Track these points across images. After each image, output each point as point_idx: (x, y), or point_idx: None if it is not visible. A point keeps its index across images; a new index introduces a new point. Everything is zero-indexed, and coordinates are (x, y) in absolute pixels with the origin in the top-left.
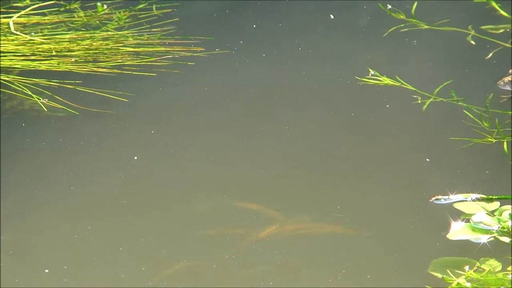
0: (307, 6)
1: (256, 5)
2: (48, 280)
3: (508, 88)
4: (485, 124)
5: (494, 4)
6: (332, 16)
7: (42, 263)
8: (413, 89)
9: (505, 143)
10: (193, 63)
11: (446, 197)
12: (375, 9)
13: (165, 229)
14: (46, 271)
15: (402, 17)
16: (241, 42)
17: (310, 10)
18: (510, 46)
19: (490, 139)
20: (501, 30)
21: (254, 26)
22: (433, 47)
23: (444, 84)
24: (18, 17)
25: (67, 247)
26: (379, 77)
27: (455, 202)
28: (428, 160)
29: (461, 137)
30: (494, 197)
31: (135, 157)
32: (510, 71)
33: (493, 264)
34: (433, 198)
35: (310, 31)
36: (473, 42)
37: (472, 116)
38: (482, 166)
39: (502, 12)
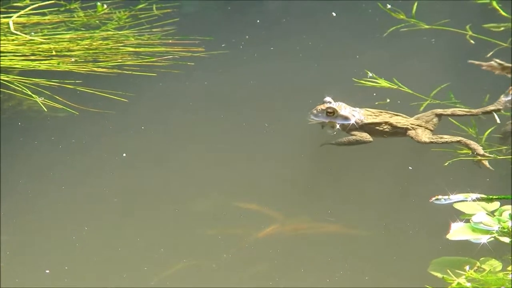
0: (306, 4)
1: (255, 3)
2: (49, 281)
3: (320, 118)
4: (471, 130)
5: (495, 4)
6: (334, 14)
7: (43, 263)
8: (410, 91)
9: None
10: (193, 63)
11: (446, 197)
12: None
13: (165, 229)
14: (47, 271)
15: (402, 17)
16: (247, 37)
17: (310, 8)
18: (509, 45)
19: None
20: (502, 28)
21: (258, 21)
22: (434, 46)
23: (440, 87)
24: (18, 17)
25: (67, 247)
26: (376, 79)
27: (455, 202)
28: (410, 168)
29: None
30: (494, 197)
31: (124, 154)
32: (325, 98)
33: (493, 264)
34: (433, 198)
35: (315, 27)
36: (472, 42)
37: (458, 124)
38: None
39: (502, 12)
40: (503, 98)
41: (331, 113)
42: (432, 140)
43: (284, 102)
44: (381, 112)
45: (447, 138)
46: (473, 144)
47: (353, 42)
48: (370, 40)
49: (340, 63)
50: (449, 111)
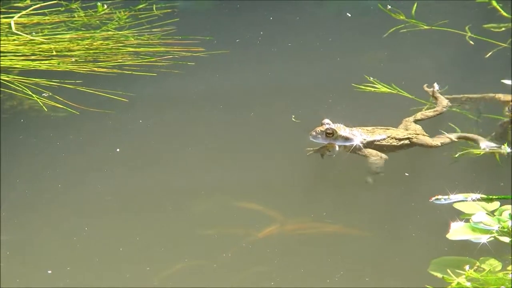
0: (317, 3)
1: (263, 2)
2: (51, 281)
3: (320, 140)
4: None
5: (495, 3)
6: (349, 15)
7: (44, 263)
8: (410, 96)
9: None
10: (193, 63)
11: (446, 197)
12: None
13: (165, 229)
14: (49, 271)
15: (402, 17)
16: (261, 32)
17: (322, 6)
18: (509, 46)
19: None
20: (502, 29)
21: (271, 18)
22: (435, 46)
23: (442, 90)
24: (19, 17)
25: (69, 247)
26: (376, 84)
27: (455, 202)
28: (407, 174)
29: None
30: (494, 197)
31: (117, 149)
32: (324, 120)
33: (493, 264)
34: (433, 198)
35: (332, 25)
36: (472, 43)
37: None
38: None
39: (503, 12)
40: (428, 88)
41: (331, 134)
42: (441, 142)
43: (294, 100)
44: (374, 128)
45: (450, 136)
46: (475, 136)
47: (371, 40)
48: (383, 38)
49: (359, 59)
50: (419, 115)
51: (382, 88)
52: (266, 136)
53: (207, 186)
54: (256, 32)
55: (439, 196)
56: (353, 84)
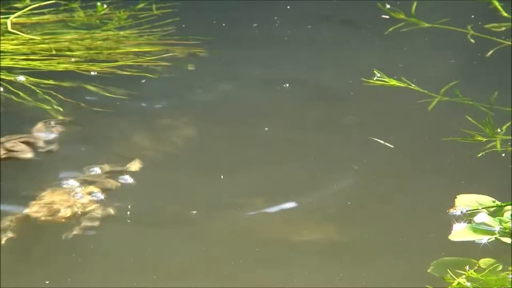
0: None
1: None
2: None
3: None
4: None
5: (496, 4)
6: (387, 17)
7: (42, 273)
8: (421, 90)
9: (497, 142)
10: (192, 66)
11: (463, 208)
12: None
13: (166, 229)
14: (47, 282)
15: (402, 16)
16: (275, 18)
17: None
18: (510, 44)
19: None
20: (503, 28)
21: (288, 7)
22: (436, 46)
23: (450, 84)
24: (16, 17)
25: (69, 256)
26: (385, 78)
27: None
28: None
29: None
30: (507, 204)
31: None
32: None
33: (493, 264)
34: (451, 210)
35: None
36: (472, 41)
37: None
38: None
39: (504, 13)
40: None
41: None
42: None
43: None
44: None
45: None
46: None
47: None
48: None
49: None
50: None
51: (391, 82)
52: (265, 137)
53: (208, 186)
54: (272, 16)
55: (457, 208)
56: (362, 79)
